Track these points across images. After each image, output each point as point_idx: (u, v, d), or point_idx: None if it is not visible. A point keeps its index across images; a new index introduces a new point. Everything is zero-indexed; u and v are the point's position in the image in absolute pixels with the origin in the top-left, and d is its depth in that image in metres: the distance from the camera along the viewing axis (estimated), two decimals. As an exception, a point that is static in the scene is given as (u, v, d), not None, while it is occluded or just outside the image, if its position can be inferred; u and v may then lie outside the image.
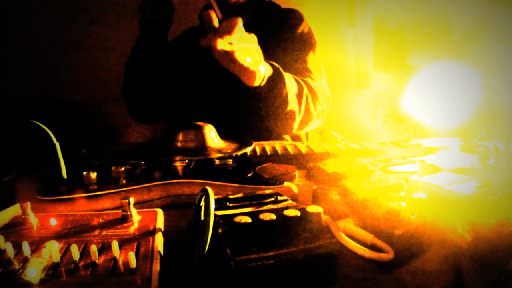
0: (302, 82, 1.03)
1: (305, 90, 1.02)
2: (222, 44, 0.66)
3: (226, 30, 0.67)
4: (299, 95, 1.00)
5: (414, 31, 1.95)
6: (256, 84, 0.84)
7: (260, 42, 1.08)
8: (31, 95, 1.73)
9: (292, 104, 0.96)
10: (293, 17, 1.21)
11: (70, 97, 1.83)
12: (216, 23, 0.68)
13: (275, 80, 0.89)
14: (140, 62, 1.15)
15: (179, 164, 0.62)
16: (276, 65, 0.92)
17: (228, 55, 0.69)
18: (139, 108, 1.26)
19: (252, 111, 0.95)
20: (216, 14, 0.68)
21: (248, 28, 1.18)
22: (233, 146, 0.73)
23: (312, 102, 1.04)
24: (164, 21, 1.12)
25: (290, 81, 0.96)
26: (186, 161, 0.63)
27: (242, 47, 0.71)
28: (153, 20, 1.10)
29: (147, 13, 1.08)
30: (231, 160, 0.64)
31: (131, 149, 0.74)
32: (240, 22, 0.69)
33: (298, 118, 1.02)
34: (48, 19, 1.79)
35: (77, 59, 1.87)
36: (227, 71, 0.77)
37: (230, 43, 0.68)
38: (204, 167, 0.64)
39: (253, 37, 0.75)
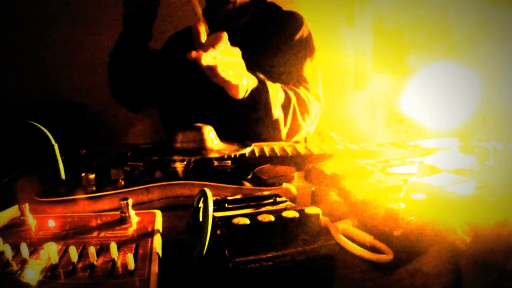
0: (291, 93, 1.04)
1: (293, 102, 1.04)
2: (206, 59, 0.70)
3: (211, 44, 0.72)
4: (286, 106, 1.02)
5: (413, 32, 1.96)
6: (240, 96, 0.89)
7: (258, 45, 1.08)
8: (30, 95, 1.73)
9: (277, 114, 0.99)
10: (293, 21, 1.19)
11: (69, 98, 1.83)
12: (203, 38, 0.73)
13: (260, 91, 0.93)
14: (126, 53, 1.15)
15: (178, 165, 0.62)
16: (262, 76, 0.95)
17: (211, 69, 0.74)
18: (126, 97, 1.25)
19: (238, 120, 0.98)
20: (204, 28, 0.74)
21: (247, 29, 1.18)
22: (232, 147, 0.73)
23: (300, 114, 1.07)
24: (146, 11, 1.10)
25: (275, 91, 0.98)
26: (185, 162, 0.63)
27: (225, 60, 0.76)
28: (136, 11, 1.09)
29: (129, 5, 1.08)
30: (229, 161, 0.64)
31: (130, 151, 0.74)
32: (224, 36, 0.74)
33: (284, 129, 1.05)
34: (48, 19, 1.79)
35: (77, 59, 1.86)
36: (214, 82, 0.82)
37: (214, 57, 0.72)
38: (203, 168, 0.64)
39: (237, 50, 0.80)
